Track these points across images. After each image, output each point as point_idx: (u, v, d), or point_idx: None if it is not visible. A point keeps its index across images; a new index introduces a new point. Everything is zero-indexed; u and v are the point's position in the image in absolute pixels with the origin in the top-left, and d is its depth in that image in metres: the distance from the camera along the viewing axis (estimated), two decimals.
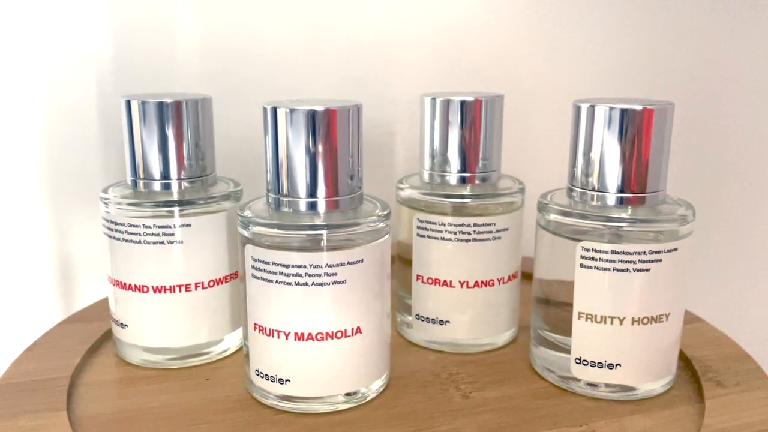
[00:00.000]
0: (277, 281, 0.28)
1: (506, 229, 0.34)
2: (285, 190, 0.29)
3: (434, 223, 0.34)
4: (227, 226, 0.33)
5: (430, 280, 0.35)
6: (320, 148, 0.28)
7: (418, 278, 0.35)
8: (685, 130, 0.51)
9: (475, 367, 0.34)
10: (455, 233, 0.34)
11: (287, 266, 0.27)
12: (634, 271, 0.29)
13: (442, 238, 0.34)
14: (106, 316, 0.37)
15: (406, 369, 0.33)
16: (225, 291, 0.34)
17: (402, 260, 0.37)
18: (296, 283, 0.28)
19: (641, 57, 0.50)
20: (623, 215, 0.29)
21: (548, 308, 0.32)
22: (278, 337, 0.28)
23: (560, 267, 0.31)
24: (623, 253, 0.29)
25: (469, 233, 0.34)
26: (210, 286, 0.33)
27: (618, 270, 0.29)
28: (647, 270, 0.29)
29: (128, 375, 0.33)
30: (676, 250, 0.29)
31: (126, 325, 0.33)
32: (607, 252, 0.29)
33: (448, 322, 0.35)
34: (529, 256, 0.36)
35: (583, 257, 0.29)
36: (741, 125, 0.54)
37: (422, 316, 0.35)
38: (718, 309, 0.46)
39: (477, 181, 0.35)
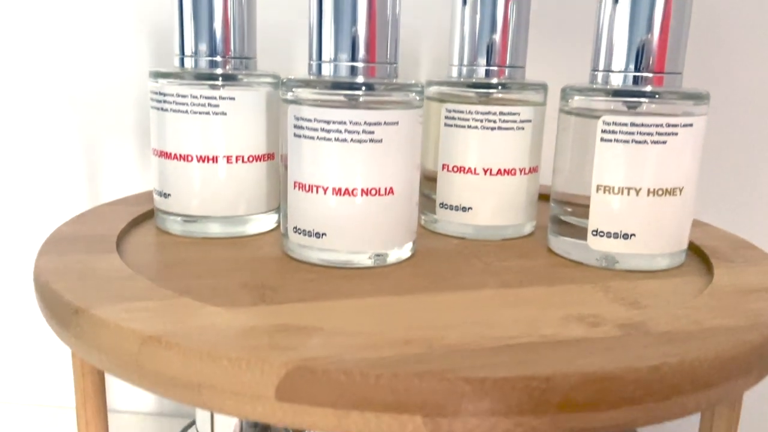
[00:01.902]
0: (318, 137, 0.30)
1: (529, 121, 0.36)
2: (327, 56, 0.31)
3: (461, 112, 0.36)
4: (266, 108, 0.35)
5: (455, 168, 0.37)
6: (362, 15, 0.30)
7: (443, 167, 0.37)
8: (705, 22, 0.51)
9: (496, 247, 0.36)
10: (481, 121, 0.36)
11: (328, 122, 0.30)
12: (652, 143, 0.31)
13: (469, 126, 0.36)
14: (144, 201, 0.39)
15: (431, 248, 0.35)
16: (262, 168, 0.36)
17: (427, 179, 0.38)
18: (336, 139, 0.30)
19: None
20: (643, 90, 0.31)
21: (566, 205, 0.34)
22: (317, 192, 0.30)
23: (582, 150, 0.33)
24: (642, 125, 0.31)
25: (494, 121, 0.36)
26: (249, 161, 0.35)
27: (636, 142, 0.31)
28: (664, 143, 0.31)
29: (170, 240, 0.35)
30: (691, 125, 0.31)
31: (169, 195, 0.35)
32: (626, 125, 0.31)
33: (470, 208, 0.37)
34: (546, 184, 0.38)
35: (603, 131, 0.31)
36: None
37: (446, 204, 0.37)
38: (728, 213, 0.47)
39: (503, 76, 0.37)
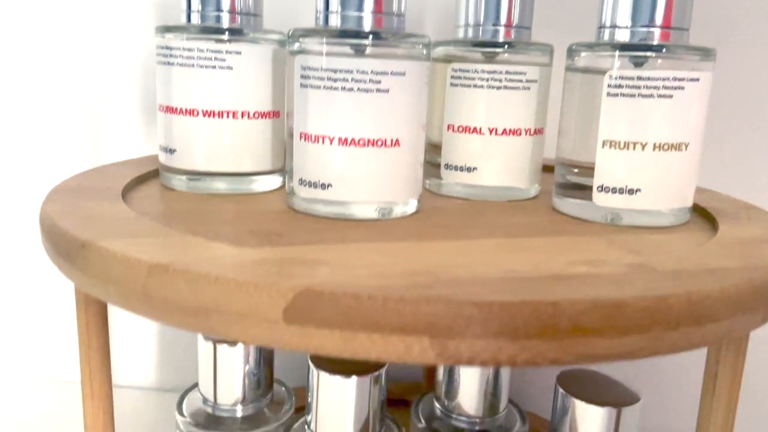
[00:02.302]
0: (324, 87, 0.30)
1: (535, 81, 0.36)
2: (334, 7, 0.31)
3: (467, 71, 0.36)
4: (272, 65, 0.35)
5: (460, 128, 0.37)
6: None
7: (449, 128, 0.37)
8: None
9: (501, 206, 0.36)
10: (487, 80, 0.36)
11: (335, 71, 0.30)
12: (658, 97, 0.31)
13: (475, 86, 0.36)
14: (148, 162, 0.39)
15: (435, 206, 0.35)
16: (268, 125, 0.36)
17: (432, 146, 0.38)
18: (342, 89, 0.30)
19: None
20: (650, 44, 0.31)
21: (571, 166, 0.34)
22: (323, 142, 0.30)
23: (588, 109, 0.33)
24: (648, 79, 0.31)
25: (500, 80, 0.36)
26: (255, 118, 0.35)
27: (642, 96, 0.31)
28: (670, 97, 0.31)
29: (176, 195, 0.35)
30: (698, 80, 0.31)
31: (174, 150, 0.35)
32: (633, 78, 0.31)
33: (475, 168, 0.37)
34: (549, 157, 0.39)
35: (610, 86, 0.31)
36: None
37: (451, 165, 0.37)
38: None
39: (510, 36, 0.37)
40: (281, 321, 0.20)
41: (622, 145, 0.32)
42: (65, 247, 0.25)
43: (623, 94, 0.31)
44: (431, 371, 0.53)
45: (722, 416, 0.28)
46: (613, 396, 0.33)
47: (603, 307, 0.20)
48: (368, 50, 0.30)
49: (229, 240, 0.26)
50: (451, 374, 0.39)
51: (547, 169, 0.40)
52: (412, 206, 0.33)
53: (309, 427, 0.36)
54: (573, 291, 0.21)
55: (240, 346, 0.38)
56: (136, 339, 0.58)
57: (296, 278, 0.21)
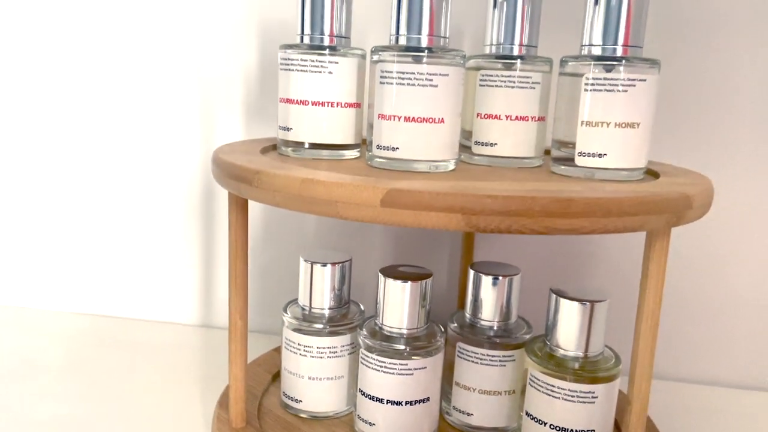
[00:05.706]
0: (396, 83, 0.46)
1: (539, 83, 0.52)
2: (402, 31, 0.47)
3: (491, 76, 0.52)
4: (357, 71, 0.51)
5: (486, 116, 0.52)
6: (426, 7, 0.46)
7: (478, 115, 0.53)
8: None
9: (514, 170, 0.51)
10: (505, 81, 0.51)
11: (403, 73, 0.46)
12: (617, 91, 0.46)
13: (496, 86, 0.52)
14: (261, 142, 0.56)
15: (468, 168, 0.51)
16: (352, 113, 0.52)
17: (465, 131, 0.54)
18: (407, 84, 0.46)
19: None
20: (614, 56, 0.46)
21: (562, 145, 0.50)
22: (393, 120, 0.46)
23: (571, 98, 0.48)
24: (612, 79, 0.46)
25: (513, 82, 0.51)
26: (345, 107, 0.51)
27: (607, 90, 0.46)
28: (626, 91, 0.46)
29: (290, 159, 0.51)
30: (646, 80, 0.46)
31: (290, 128, 0.51)
32: (601, 79, 0.46)
33: (496, 143, 0.52)
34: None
35: (586, 84, 0.47)
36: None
37: (479, 141, 0.53)
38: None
39: (522, 52, 0.52)
40: (379, 206, 0.36)
41: (594, 124, 0.47)
42: (245, 175, 0.41)
43: (595, 89, 0.46)
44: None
45: (652, 294, 0.42)
46: (589, 297, 0.48)
47: (560, 201, 0.35)
48: (424, 59, 0.46)
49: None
50: (476, 295, 0.54)
51: (548, 152, 0.55)
52: (451, 165, 0.49)
53: (377, 321, 0.51)
54: (544, 194, 0.36)
55: (328, 266, 0.54)
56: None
57: (387, 184, 0.37)
